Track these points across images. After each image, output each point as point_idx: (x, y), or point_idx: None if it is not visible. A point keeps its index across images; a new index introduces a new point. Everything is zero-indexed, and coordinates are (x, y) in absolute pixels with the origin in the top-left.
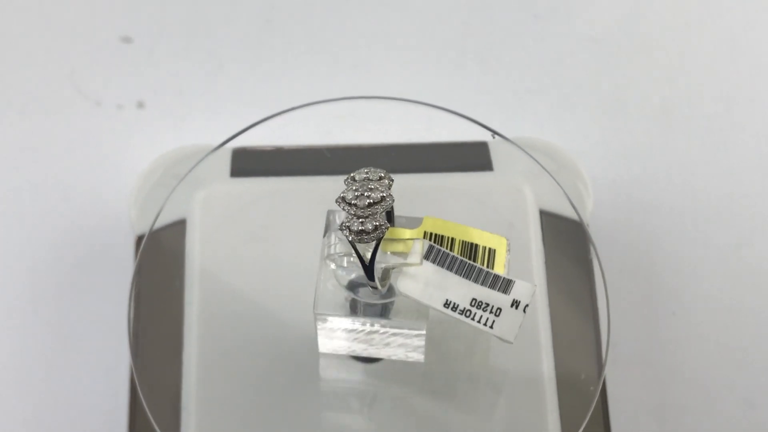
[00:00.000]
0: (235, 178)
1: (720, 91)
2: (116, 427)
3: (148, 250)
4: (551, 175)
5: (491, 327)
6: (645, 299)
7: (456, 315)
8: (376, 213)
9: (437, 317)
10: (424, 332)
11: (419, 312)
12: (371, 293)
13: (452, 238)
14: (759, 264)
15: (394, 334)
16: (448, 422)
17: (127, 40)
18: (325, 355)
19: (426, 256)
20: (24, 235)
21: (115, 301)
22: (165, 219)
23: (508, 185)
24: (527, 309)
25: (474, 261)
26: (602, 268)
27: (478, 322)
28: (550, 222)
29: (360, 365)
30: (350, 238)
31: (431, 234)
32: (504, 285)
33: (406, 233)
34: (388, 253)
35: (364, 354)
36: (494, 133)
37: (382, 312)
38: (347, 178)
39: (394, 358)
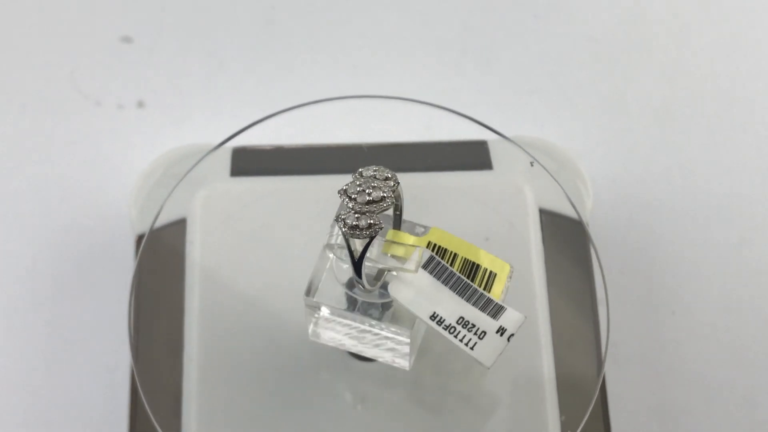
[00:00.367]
0: (235, 178)
1: (719, 91)
2: (117, 427)
3: (149, 249)
4: (551, 174)
5: (472, 348)
6: (645, 298)
7: (440, 329)
8: (374, 211)
9: None
10: (408, 340)
11: (409, 319)
12: (365, 292)
13: (455, 254)
14: (759, 263)
15: (385, 337)
16: (448, 421)
17: (127, 40)
18: (326, 355)
19: (424, 266)
20: (24, 235)
21: (115, 301)
22: (165, 218)
23: (507, 184)
24: (512, 339)
25: (472, 280)
26: (602, 267)
27: (460, 340)
28: (550, 221)
29: (361, 366)
30: (343, 231)
31: (435, 245)
32: (495, 310)
33: (410, 239)
34: (388, 255)
35: (354, 350)
36: (534, 160)
37: (380, 312)
38: (356, 173)
39: (381, 360)
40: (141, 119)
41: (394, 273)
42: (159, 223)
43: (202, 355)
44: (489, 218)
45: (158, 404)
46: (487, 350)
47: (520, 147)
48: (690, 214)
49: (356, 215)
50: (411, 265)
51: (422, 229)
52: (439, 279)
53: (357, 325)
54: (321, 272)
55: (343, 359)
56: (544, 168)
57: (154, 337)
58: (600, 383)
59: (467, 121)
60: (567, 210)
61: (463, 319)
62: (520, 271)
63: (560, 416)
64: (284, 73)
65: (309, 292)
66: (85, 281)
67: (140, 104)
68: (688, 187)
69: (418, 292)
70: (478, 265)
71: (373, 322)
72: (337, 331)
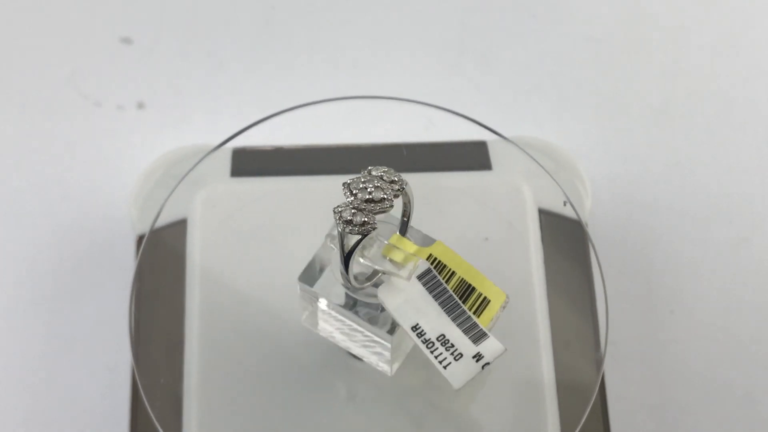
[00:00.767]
0: (235, 178)
1: (718, 91)
2: (117, 426)
3: (149, 249)
4: (550, 175)
5: (444, 368)
6: (643, 298)
7: (418, 341)
8: (371, 210)
9: None
10: (389, 345)
11: (392, 326)
12: (352, 288)
13: (453, 272)
14: (757, 262)
15: (373, 340)
16: (448, 420)
17: (127, 41)
18: (326, 355)
19: (419, 277)
20: (25, 235)
21: (116, 301)
22: (165, 219)
23: (507, 184)
24: (486, 367)
25: (464, 302)
26: (601, 267)
27: (436, 357)
28: (549, 221)
29: (362, 367)
30: (337, 223)
31: (435, 259)
32: (477, 335)
33: (412, 247)
34: (386, 258)
35: (342, 345)
36: (566, 200)
37: (368, 313)
38: (365, 170)
39: (366, 361)
40: (141, 120)
41: (387, 277)
42: (159, 223)
43: (202, 354)
44: (488, 218)
45: (159, 403)
46: (459, 372)
47: (519, 147)
48: (689, 213)
49: (353, 210)
50: (405, 272)
51: (428, 240)
52: (430, 293)
53: (349, 323)
54: (319, 261)
55: (344, 359)
56: (544, 169)
57: (154, 337)
58: (599, 382)
59: (466, 121)
60: (566, 210)
61: (444, 337)
62: (520, 271)
63: (559, 417)
64: (284, 74)
65: (307, 280)
66: (86, 281)
67: (140, 105)
68: (686, 186)
69: (406, 300)
70: (473, 288)
71: (361, 323)
72: (331, 324)
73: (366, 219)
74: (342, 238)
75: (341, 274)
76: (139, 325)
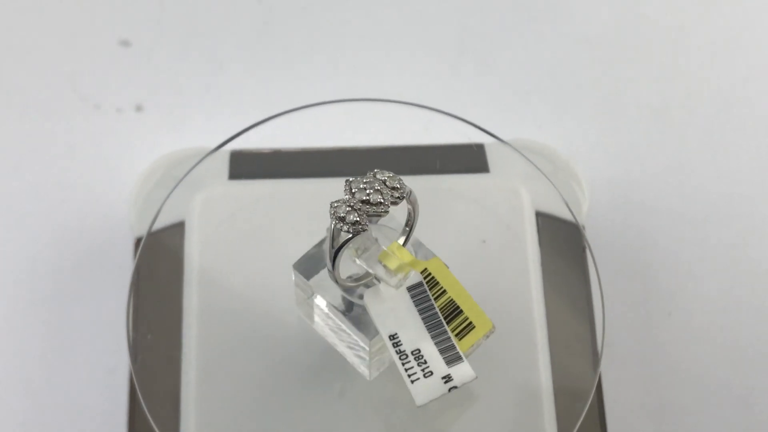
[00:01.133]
0: (233, 181)
1: (716, 93)
2: (115, 428)
3: (147, 251)
4: (547, 177)
5: (412, 382)
6: (640, 300)
7: (393, 351)
8: (365, 212)
9: None
10: (367, 348)
11: (372, 331)
12: (338, 285)
13: (444, 291)
14: (755, 265)
15: (357, 343)
16: (445, 421)
17: (125, 43)
18: (325, 357)
19: (409, 289)
20: (24, 237)
21: (114, 303)
22: (164, 221)
23: (504, 187)
24: (453, 390)
25: (448, 323)
26: (598, 269)
27: (406, 370)
28: (546, 223)
29: (362, 368)
30: (330, 217)
31: (429, 274)
32: (452, 358)
33: (408, 257)
34: (381, 263)
35: (330, 341)
36: (587, 244)
37: (352, 314)
38: (371, 171)
39: (349, 361)
40: (140, 122)
41: (377, 282)
42: (158, 225)
43: (200, 356)
44: (486, 221)
45: (157, 406)
46: (424, 389)
47: (516, 150)
48: (686, 216)
49: (348, 208)
50: (394, 281)
51: (427, 254)
52: (416, 306)
53: (339, 322)
54: (316, 253)
55: (342, 361)
56: (541, 171)
57: (152, 339)
58: (596, 384)
59: (464, 124)
60: (563, 212)
61: (419, 352)
62: (518, 273)
63: (556, 418)
64: (282, 76)
65: (301, 269)
66: (84, 283)
67: (139, 107)
68: (684, 189)
69: (390, 309)
70: (461, 311)
71: (346, 322)
72: (322, 318)
73: (358, 219)
74: (333, 233)
75: (327, 269)
76: (137, 327)
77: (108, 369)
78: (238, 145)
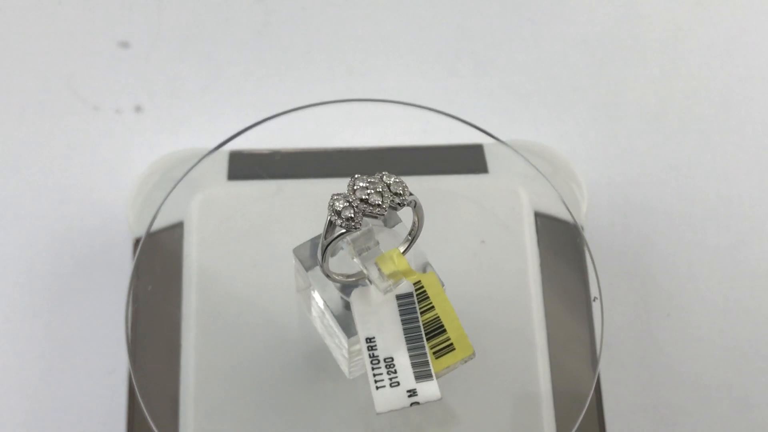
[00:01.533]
0: (232, 181)
1: (714, 94)
2: (114, 429)
3: (146, 252)
4: (546, 178)
5: (377, 389)
6: (639, 301)
7: (366, 353)
8: (362, 211)
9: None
10: (346, 346)
11: (353, 331)
12: (327, 277)
13: (432, 307)
14: (753, 265)
15: (340, 341)
16: (443, 421)
17: (124, 45)
18: (323, 358)
19: (398, 297)
20: (23, 238)
21: (113, 304)
22: (163, 222)
23: (503, 188)
24: (414, 405)
25: (429, 339)
26: (596, 270)
27: (374, 376)
28: (545, 224)
29: (344, 366)
30: (329, 208)
31: (422, 287)
32: (422, 374)
33: (404, 266)
34: (376, 265)
35: (320, 332)
36: (597, 297)
37: (336, 311)
38: (380, 173)
39: (335, 357)
40: (138, 123)
41: (369, 283)
42: (156, 226)
43: (199, 357)
44: (485, 221)
45: (156, 407)
46: (387, 399)
47: (515, 151)
48: (684, 216)
49: (346, 203)
50: (383, 285)
51: (425, 266)
52: (401, 315)
53: (327, 317)
54: (316, 244)
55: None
56: (540, 172)
57: (151, 340)
58: (594, 384)
59: (463, 124)
60: (562, 213)
61: (392, 361)
62: (516, 273)
63: (555, 418)
64: (281, 77)
65: (302, 257)
66: (83, 284)
67: (138, 109)
68: (682, 190)
69: (374, 312)
70: (444, 331)
71: (332, 316)
72: (317, 310)
73: (352, 216)
74: (328, 225)
75: (318, 259)
76: (136, 328)
77: (107, 370)
78: (236, 145)
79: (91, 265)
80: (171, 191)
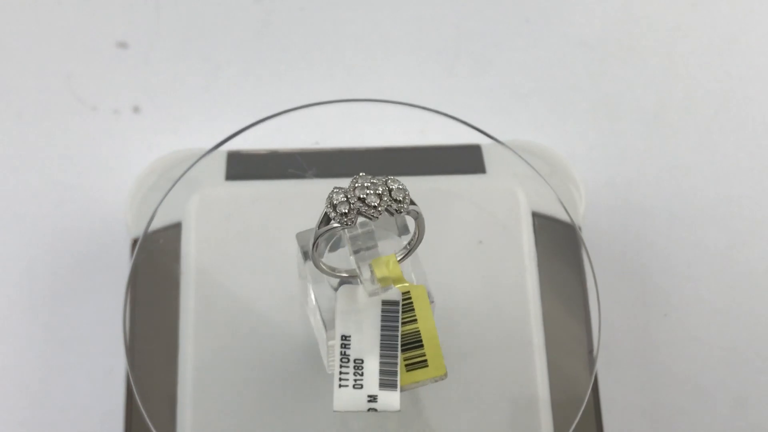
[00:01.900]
0: (230, 181)
1: (712, 94)
2: (113, 429)
3: (144, 252)
4: (544, 178)
5: (339, 386)
6: (637, 301)
7: (337, 350)
8: (357, 209)
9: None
10: (324, 337)
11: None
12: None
13: (415, 320)
14: (750, 266)
15: (319, 328)
16: (440, 422)
17: (122, 45)
18: (321, 358)
19: (384, 303)
20: (21, 238)
21: (111, 303)
22: (160, 222)
23: (501, 188)
24: (371, 411)
25: (404, 351)
26: (594, 270)
27: (339, 373)
28: (543, 224)
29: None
30: (327, 199)
31: (409, 299)
32: (388, 383)
33: (396, 274)
34: (370, 266)
35: (312, 325)
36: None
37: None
38: (387, 176)
39: (320, 351)
40: (137, 124)
41: (359, 282)
42: (154, 226)
43: (197, 358)
44: (482, 222)
45: (154, 407)
46: (347, 399)
47: (513, 151)
48: (682, 217)
49: (344, 198)
50: (371, 288)
51: (418, 278)
52: (382, 321)
53: (316, 309)
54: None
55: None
56: (537, 172)
57: (149, 340)
58: (592, 384)
59: (461, 124)
60: (559, 213)
61: (362, 363)
62: (514, 274)
63: (552, 419)
64: (280, 77)
65: (303, 242)
66: (81, 284)
67: (136, 109)
68: (680, 190)
69: (356, 311)
70: (421, 346)
71: (318, 311)
72: (310, 302)
73: (347, 212)
74: (323, 216)
75: (310, 248)
76: (133, 328)
77: (105, 369)
78: (234, 145)
79: (89, 265)
80: (169, 191)
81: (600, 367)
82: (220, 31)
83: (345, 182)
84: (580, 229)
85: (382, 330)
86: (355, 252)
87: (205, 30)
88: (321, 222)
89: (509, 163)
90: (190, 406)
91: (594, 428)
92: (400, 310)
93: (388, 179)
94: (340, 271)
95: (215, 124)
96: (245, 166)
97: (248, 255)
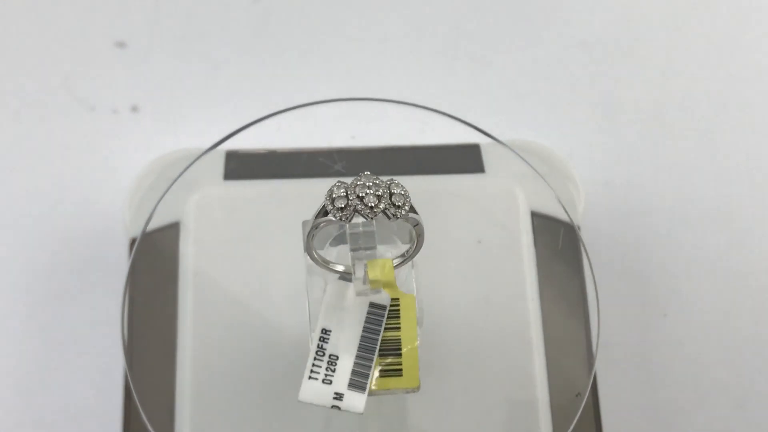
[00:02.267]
0: (228, 181)
1: (711, 95)
2: (111, 429)
3: (142, 252)
4: (543, 178)
5: (308, 378)
6: (636, 301)
7: (314, 342)
8: (354, 206)
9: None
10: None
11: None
12: (314, 260)
13: (398, 328)
14: (750, 266)
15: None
16: (439, 422)
17: (121, 44)
18: None
19: (371, 305)
20: (19, 239)
21: (109, 303)
22: (159, 222)
23: (500, 188)
24: (333, 408)
25: (381, 356)
26: (593, 270)
27: (312, 366)
28: (542, 224)
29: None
30: (326, 192)
31: (397, 306)
32: (357, 384)
33: (389, 278)
34: (365, 264)
35: (307, 317)
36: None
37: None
38: (391, 179)
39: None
40: (135, 123)
41: (351, 280)
42: (152, 226)
43: (195, 358)
44: (481, 221)
45: (152, 407)
46: (314, 392)
47: (512, 150)
48: (681, 217)
49: (343, 193)
50: (360, 288)
51: (408, 287)
52: (366, 323)
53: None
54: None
55: None
56: (537, 172)
57: (147, 340)
58: (591, 384)
59: (460, 124)
60: (558, 213)
61: (336, 359)
62: (513, 273)
63: (551, 418)
64: (279, 77)
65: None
66: (80, 284)
67: (134, 109)
68: (679, 190)
69: (342, 308)
70: (399, 354)
71: (309, 302)
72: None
73: (343, 207)
74: (321, 208)
75: (304, 238)
76: (132, 329)
77: (103, 370)
78: (233, 145)
79: (88, 265)
80: (167, 191)
81: (599, 367)
82: (219, 30)
83: (349, 179)
84: (579, 228)
85: (363, 331)
86: (353, 249)
87: (203, 29)
88: (318, 213)
89: (508, 162)
90: (188, 406)
91: (593, 428)
92: (386, 316)
93: (392, 183)
94: (334, 265)
95: (214, 123)
96: (244, 166)
97: (247, 255)
